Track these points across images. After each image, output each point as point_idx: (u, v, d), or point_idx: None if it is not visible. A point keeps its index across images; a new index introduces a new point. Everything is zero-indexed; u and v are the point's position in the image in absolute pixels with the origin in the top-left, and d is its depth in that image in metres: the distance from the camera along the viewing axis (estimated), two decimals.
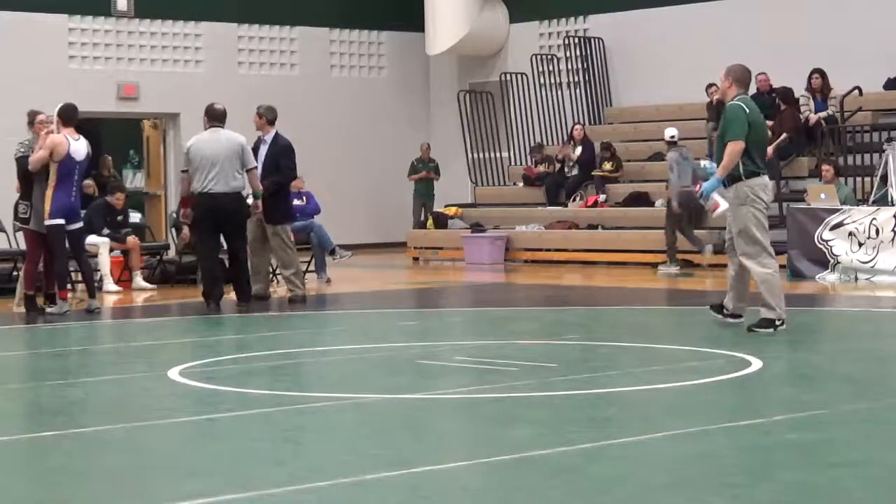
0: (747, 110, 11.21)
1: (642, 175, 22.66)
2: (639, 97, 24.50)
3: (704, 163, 17.95)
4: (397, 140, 26.73)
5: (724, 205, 11.58)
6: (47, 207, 14.05)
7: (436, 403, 8.42)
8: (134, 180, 25.97)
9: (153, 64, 24.75)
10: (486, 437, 7.31)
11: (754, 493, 5.78)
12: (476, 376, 9.58)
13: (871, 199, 17.63)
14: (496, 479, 6.27)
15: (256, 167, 14.75)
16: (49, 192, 14.07)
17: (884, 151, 17.87)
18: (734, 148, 11.08)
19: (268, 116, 15.59)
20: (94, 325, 13.79)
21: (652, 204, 21.49)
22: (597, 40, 25.20)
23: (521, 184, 24.19)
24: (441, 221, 24.12)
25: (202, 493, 5.90)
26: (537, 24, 26.32)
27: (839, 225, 16.97)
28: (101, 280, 17.11)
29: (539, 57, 25.41)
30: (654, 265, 19.70)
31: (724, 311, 11.68)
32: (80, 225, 14.56)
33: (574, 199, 22.97)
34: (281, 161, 15.34)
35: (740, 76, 11.45)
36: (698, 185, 12.28)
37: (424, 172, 25.40)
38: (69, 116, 14.31)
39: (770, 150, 19.63)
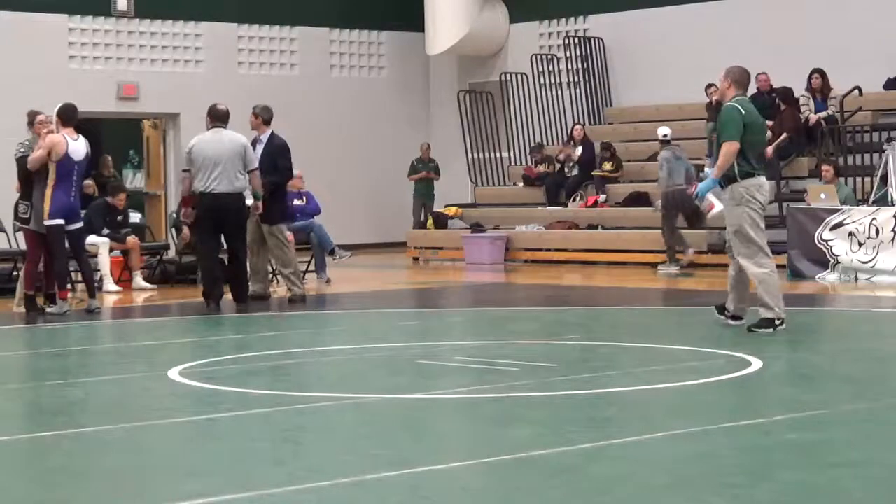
0: (743, 111, 11.25)
1: (642, 175, 22.65)
2: (639, 97, 24.50)
3: (708, 170, 18.00)
4: (397, 140, 26.73)
5: (718, 205, 11.62)
6: (46, 207, 14.05)
7: (436, 403, 8.42)
8: (134, 180, 25.97)
9: (153, 64, 24.75)
10: (486, 437, 7.31)
11: (754, 493, 5.78)
12: (476, 376, 9.58)
13: (871, 199, 17.63)
14: (496, 479, 6.27)
15: (258, 168, 14.75)
16: (48, 192, 14.07)
17: (884, 151, 17.87)
18: (728, 148, 11.15)
19: (264, 116, 15.62)
20: (94, 325, 13.79)
21: (651, 204, 21.48)
22: (597, 40, 25.20)
23: (521, 184, 24.19)
24: (441, 221, 24.12)
25: (202, 493, 5.90)
26: (537, 24, 26.32)
27: (839, 225, 16.96)
28: (101, 280, 17.12)
29: (539, 57, 25.41)
30: (654, 265, 19.69)
31: (726, 312, 11.69)
32: (79, 225, 14.56)
33: (574, 199, 22.98)
34: (278, 161, 15.34)
35: (739, 78, 11.49)
36: (693, 186, 12.31)
37: (424, 172, 25.41)
38: (68, 116, 14.31)
39: (770, 150, 19.67)
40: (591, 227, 22.04)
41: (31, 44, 23.20)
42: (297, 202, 18.73)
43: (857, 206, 17.31)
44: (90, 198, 19.21)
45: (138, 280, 17.97)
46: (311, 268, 18.59)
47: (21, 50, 23.04)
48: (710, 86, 20.63)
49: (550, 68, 25.35)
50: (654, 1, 24.39)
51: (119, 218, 18.33)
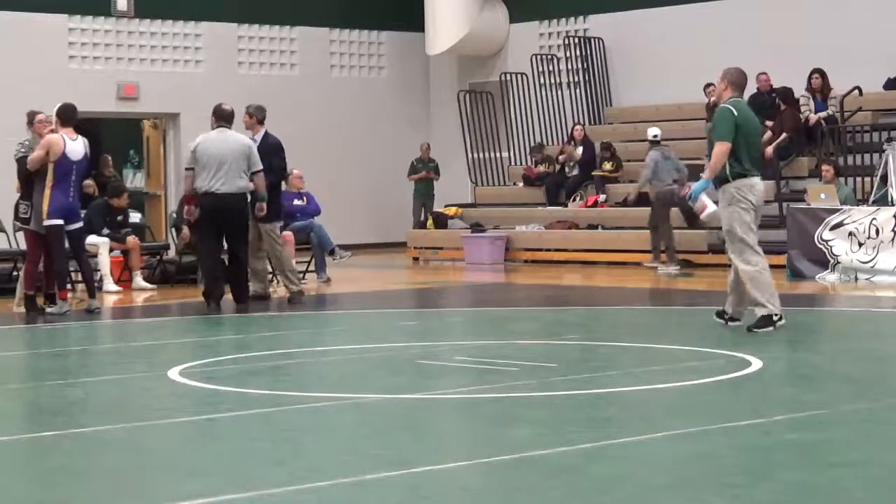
0: (736, 112, 11.27)
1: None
2: (639, 97, 24.50)
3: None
4: (397, 140, 26.73)
5: (711, 206, 11.61)
6: (45, 208, 14.05)
7: (436, 403, 8.42)
8: (134, 180, 25.97)
9: (153, 64, 24.75)
10: (486, 437, 7.31)
11: (754, 493, 5.78)
12: (476, 376, 9.58)
13: (871, 199, 17.63)
14: (496, 479, 6.27)
15: (262, 170, 14.75)
16: (46, 193, 14.07)
17: (884, 151, 17.87)
18: (719, 149, 11.20)
19: (258, 116, 15.66)
20: (94, 325, 13.79)
21: (651, 203, 21.49)
22: (597, 40, 25.20)
23: (521, 184, 24.19)
24: (441, 221, 24.13)
25: (202, 493, 5.90)
26: (537, 24, 26.32)
27: (839, 225, 16.96)
28: (101, 280, 17.11)
29: (539, 57, 25.41)
30: (654, 265, 19.69)
31: (724, 315, 11.69)
32: (79, 225, 14.56)
33: (574, 199, 22.98)
34: (272, 160, 15.33)
35: (736, 79, 11.51)
36: (687, 187, 12.35)
37: (424, 172, 25.41)
38: (67, 116, 14.31)
39: (770, 149, 19.71)
40: (591, 227, 22.04)
41: (31, 44, 23.21)
42: (297, 202, 18.74)
43: (857, 206, 17.31)
44: (90, 198, 19.21)
45: (138, 280, 17.97)
46: (311, 268, 18.60)
47: (21, 50, 23.04)
48: (708, 85, 20.64)
49: (550, 68, 25.36)
50: (654, 1, 24.39)
51: (119, 218, 18.33)
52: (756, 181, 11.37)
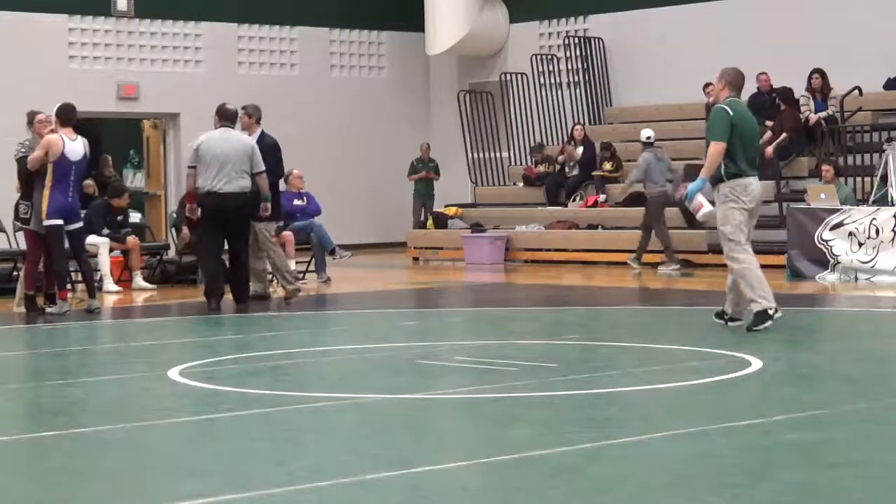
0: (731, 112, 11.28)
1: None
2: (639, 97, 24.50)
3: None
4: (397, 140, 26.73)
5: (707, 206, 11.63)
6: (44, 208, 14.05)
7: (436, 403, 8.42)
8: (134, 180, 25.97)
9: (153, 64, 24.75)
10: (486, 437, 7.31)
11: (754, 493, 5.78)
12: (476, 376, 9.58)
13: (871, 199, 17.63)
14: (496, 479, 6.26)
15: (265, 171, 14.75)
16: (45, 193, 14.07)
17: (884, 151, 17.87)
18: (714, 149, 11.24)
19: (256, 116, 15.69)
20: (94, 325, 13.79)
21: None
22: (597, 40, 25.20)
23: (521, 184, 24.19)
24: (441, 221, 24.13)
25: (202, 493, 5.90)
26: (537, 24, 26.32)
27: (839, 225, 16.96)
28: (101, 280, 17.12)
29: (539, 57, 25.41)
30: (655, 265, 19.70)
31: (724, 315, 11.70)
32: (79, 225, 14.56)
33: (574, 199, 22.98)
34: (268, 160, 15.34)
35: (733, 79, 11.51)
36: (683, 187, 12.37)
37: (424, 172, 25.41)
38: (67, 116, 14.31)
39: (770, 149, 19.73)
40: (591, 227, 22.05)
41: (31, 44, 23.21)
42: (297, 202, 18.74)
43: (857, 206, 17.30)
44: (90, 198, 19.20)
45: (138, 280, 17.97)
46: (311, 268, 18.60)
47: (21, 50, 23.04)
48: (708, 85, 20.63)
49: (550, 68, 25.36)
50: (654, 1, 24.40)
51: (119, 218, 18.33)
52: (751, 181, 11.37)
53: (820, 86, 20.54)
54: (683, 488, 5.92)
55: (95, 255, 17.06)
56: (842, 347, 11.13)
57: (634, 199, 21.91)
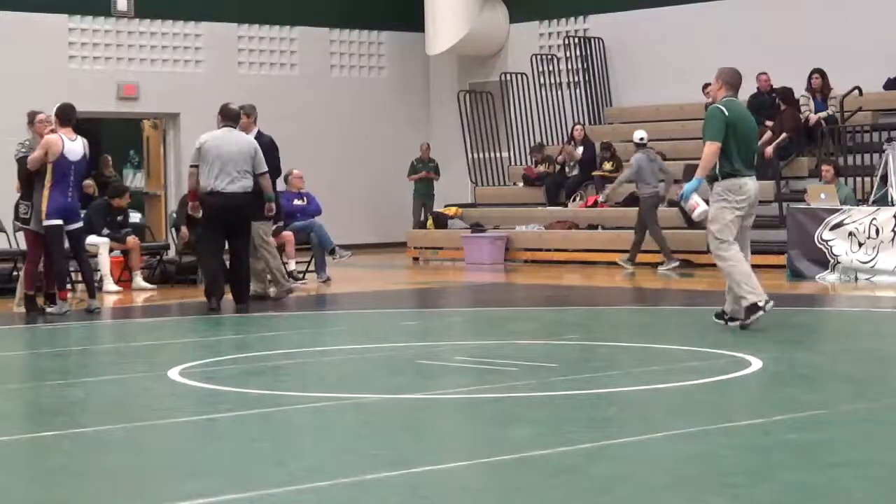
0: (726, 112, 11.29)
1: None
2: (639, 97, 24.51)
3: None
4: (397, 140, 26.74)
5: (702, 206, 11.64)
6: (43, 208, 14.06)
7: (436, 403, 8.42)
8: (134, 180, 25.98)
9: (153, 64, 24.75)
10: (486, 437, 7.31)
11: (754, 493, 5.78)
12: (476, 376, 9.58)
13: (871, 199, 17.63)
14: (496, 479, 6.26)
15: (268, 171, 14.76)
16: (45, 193, 14.07)
17: (884, 151, 17.87)
18: (709, 149, 11.29)
19: (253, 115, 15.72)
20: (94, 325, 13.79)
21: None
22: (597, 40, 25.21)
23: (521, 184, 24.19)
24: (441, 221, 24.13)
25: (202, 493, 5.90)
26: (537, 24, 26.32)
27: (839, 225, 16.96)
28: (101, 280, 17.12)
29: (539, 57, 25.41)
30: (654, 265, 19.70)
31: (724, 315, 11.71)
32: (79, 225, 14.56)
33: (574, 199, 22.98)
34: (267, 159, 15.34)
35: (730, 79, 11.53)
36: (679, 187, 12.40)
37: (424, 172, 25.41)
38: (66, 116, 14.31)
39: (770, 149, 19.73)
40: (591, 227, 22.05)
41: (31, 44, 23.21)
42: (297, 202, 18.74)
43: (857, 206, 17.31)
44: (90, 198, 19.20)
45: (138, 280, 17.97)
46: (311, 268, 18.60)
47: (21, 50, 23.04)
48: (707, 85, 20.62)
49: (550, 68, 25.36)
50: (654, 1, 24.40)
51: (119, 218, 18.33)
52: (745, 181, 11.38)
53: (820, 86, 20.54)
54: (683, 488, 5.92)
55: (95, 255, 17.06)
56: (842, 347, 11.13)
57: (634, 199, 21.92)
